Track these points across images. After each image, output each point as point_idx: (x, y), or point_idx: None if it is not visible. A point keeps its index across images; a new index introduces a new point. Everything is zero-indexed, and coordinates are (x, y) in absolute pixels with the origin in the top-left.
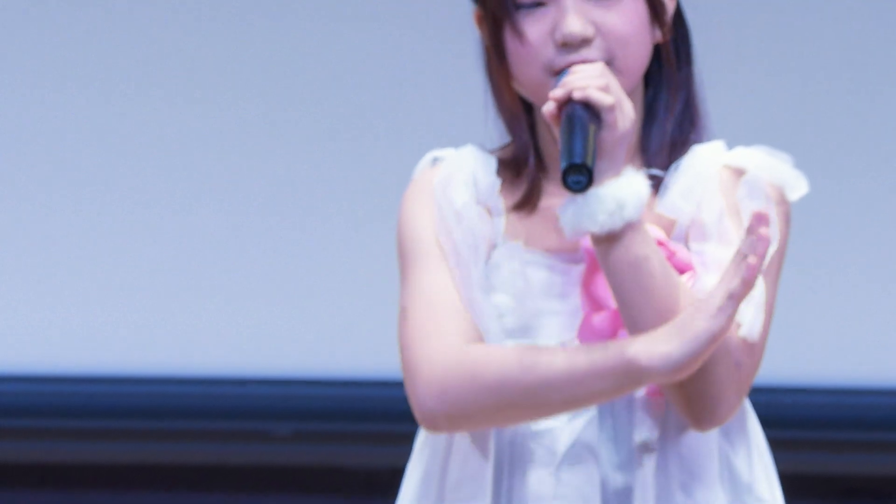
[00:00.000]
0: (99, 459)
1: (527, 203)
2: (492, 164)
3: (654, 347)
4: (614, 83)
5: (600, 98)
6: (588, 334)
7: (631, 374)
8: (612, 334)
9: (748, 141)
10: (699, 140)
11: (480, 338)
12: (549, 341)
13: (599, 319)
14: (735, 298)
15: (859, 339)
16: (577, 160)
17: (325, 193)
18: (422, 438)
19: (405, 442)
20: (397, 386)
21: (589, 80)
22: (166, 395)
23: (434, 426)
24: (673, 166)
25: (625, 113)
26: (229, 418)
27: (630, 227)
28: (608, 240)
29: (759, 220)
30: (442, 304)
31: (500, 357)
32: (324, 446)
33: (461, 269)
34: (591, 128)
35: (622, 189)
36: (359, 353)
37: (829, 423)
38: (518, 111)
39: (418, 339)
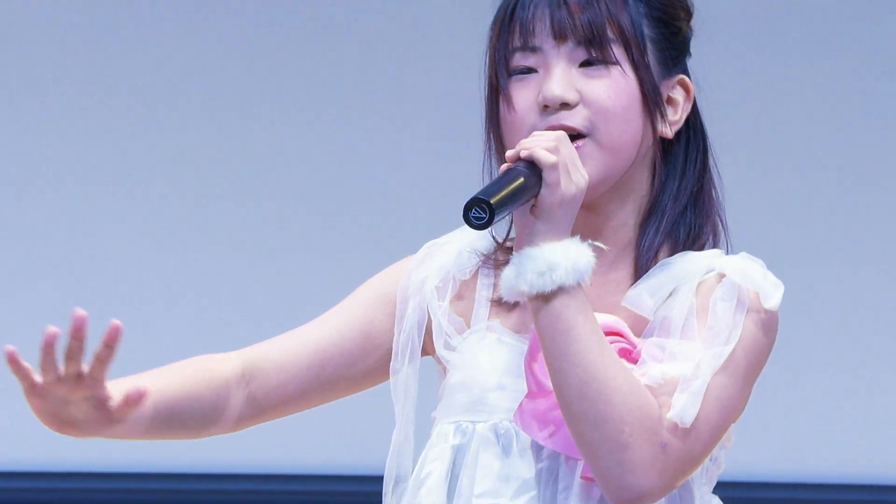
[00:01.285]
0: None
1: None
2: (484, 246)
3: None
4: (567, 149)
5: (543, 156)
6: (520, 416)
7: None
8: (544, 418)
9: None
10: (700, 238)
11: (265, 366)
12: (496, 416)
13: (530, 403)
14: None
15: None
16: (480, 196)
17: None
18: None
19: None
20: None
21: (539, 141)
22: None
23: None
24: (659, 265)
25: (571, 177)
26: None
27: (563, 292)
28: (539, 300)
29: None
30: (287, 333)
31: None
32: None
33: (399, 328)
34: (520, 180)
35: (556, 252)
36: (345, 450)
37: None
38: None
39: None
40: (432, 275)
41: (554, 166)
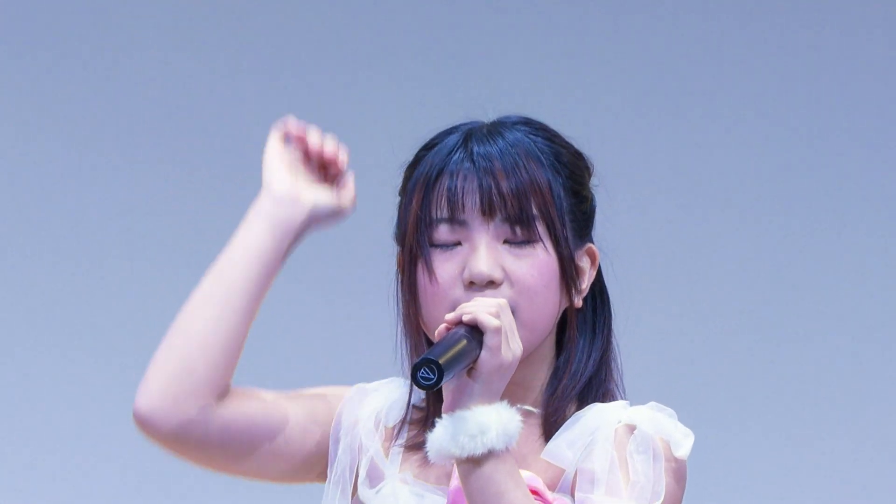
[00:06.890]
0: None
1: (423, 445)
2: (416, 401)
3: None
4: (508, 317)
5: (487, 319)
6: None
7: None
8: None
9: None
10: (606, 398)
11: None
12: None
13: None
14: None
15: None
16: (430, 356)
17: None
18: None
19: None
20: None
21: (482, 306)
22: None
23: None
24: (571, 419)
25: (510, 345)
26: None
27: (493, 456)
28: (469, 463)
29: None
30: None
31: None
32: None
33: (331, 469)
34: (463, 342)
35: (488, 415)
36: None
37: None
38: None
39: None
40: (365, 418)
41: (497, 330)
